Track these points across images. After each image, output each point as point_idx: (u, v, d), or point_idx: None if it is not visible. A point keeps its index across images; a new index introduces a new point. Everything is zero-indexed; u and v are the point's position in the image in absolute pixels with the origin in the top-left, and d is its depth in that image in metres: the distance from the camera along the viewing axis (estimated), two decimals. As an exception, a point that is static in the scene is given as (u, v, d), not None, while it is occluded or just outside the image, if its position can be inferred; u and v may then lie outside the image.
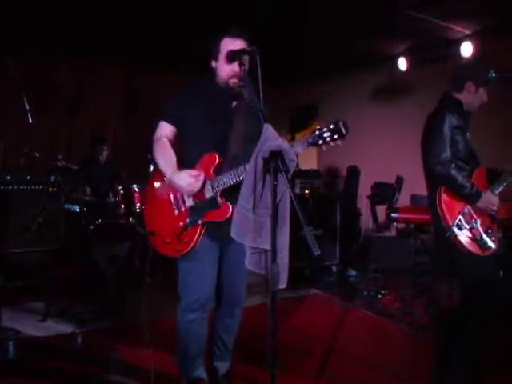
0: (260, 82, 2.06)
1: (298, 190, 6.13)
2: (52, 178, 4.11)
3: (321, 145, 2.01)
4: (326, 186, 6.85)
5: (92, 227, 4.66)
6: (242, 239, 2.08)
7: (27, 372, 2.99)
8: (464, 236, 2.56)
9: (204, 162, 2.37)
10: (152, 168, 4.27)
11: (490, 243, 2.57)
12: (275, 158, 1.85)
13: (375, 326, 4.16)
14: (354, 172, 6.95)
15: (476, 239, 2.56)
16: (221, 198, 2.30)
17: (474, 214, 2.60)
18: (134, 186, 4.93)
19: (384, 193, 5.92)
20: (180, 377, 2.57)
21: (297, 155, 2.04)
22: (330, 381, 3.02)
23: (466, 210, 2.60)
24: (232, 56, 2.25)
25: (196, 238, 2.35)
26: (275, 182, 1.84)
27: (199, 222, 2.35)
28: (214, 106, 2.42)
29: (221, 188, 2.29)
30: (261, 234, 1.98)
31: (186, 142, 2.51)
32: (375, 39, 5.87)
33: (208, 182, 2.33)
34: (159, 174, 2.51)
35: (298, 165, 2.15)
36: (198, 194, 2.35)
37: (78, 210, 4.90)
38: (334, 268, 5.94)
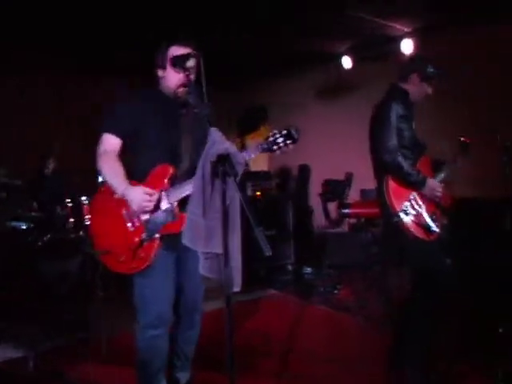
0: (204, 87, 2.07)
1: (249, 192, 6.14)
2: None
3: (275, 150, 2.12)
4: (277, 187, 6.89)
5: (40, 243, 4.50)
6: (194, 245, 2.07)
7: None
8: (410, 221, 2.67)
9: (157, 172, 2.31)
10: (100, 179, 4.16)
11: (434, 228, 2.69)
12: (223, 162, 1.84)
13: (332, 322, 4.22)
14: (304, 171, 7.05)
15: (421, 224, 2.68)
16: (177, 208, 2.27)
17: (419, 200, 2.71)
18: (83, 198, 4.78)
19: (334, 189, 6.00)
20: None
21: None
22: (290, 380, 3.05)
23: (412, 197, 2.71)
24: (177, 61, 2.24)
25: (153, 252, 2.28)
26: (224, 186, 1.83)
27: (156, 235, 2.29)
28: (164, 115, 2.37)
29: (176, 199, 2.26)
30: (212, 238, 1.98)
31: (137, 152, 2.40)
32: (319, 39, 5.94)
33: (163, 193, 2.28)
34: (107, 188, 2.38)
35: (247, 165, 2.17)
36: (153, 207, 2.29)
37: (24, 227, 4.72)
38: (289, 267, 5.98)
